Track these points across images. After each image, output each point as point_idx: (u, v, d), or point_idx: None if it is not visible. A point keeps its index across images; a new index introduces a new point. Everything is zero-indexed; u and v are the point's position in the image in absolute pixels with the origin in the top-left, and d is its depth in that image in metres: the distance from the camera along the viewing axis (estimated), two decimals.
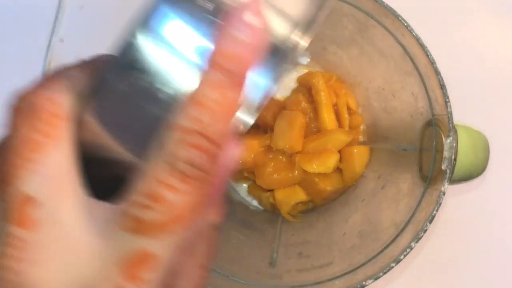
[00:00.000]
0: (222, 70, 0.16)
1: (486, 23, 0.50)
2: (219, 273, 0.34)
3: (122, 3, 0.51)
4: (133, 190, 0.15)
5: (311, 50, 0.48)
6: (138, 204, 0.15)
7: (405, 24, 0.32)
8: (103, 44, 0.59)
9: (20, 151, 0.16)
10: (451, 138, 0.31)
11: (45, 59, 0.50)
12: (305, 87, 0.45)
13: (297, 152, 0.43)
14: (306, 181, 0.43)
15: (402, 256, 0.31)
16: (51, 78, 0.18)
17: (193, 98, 0.15)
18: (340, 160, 0.44)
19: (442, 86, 0.31)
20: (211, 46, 0.16)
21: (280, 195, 0.43)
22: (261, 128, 0.45)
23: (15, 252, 0.15)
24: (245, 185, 0.47)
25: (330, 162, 0.42)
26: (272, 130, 0.43)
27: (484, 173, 0.35)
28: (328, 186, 0.44)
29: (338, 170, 0.45)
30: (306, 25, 0.20)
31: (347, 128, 0.44)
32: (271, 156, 0.43)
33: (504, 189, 0.48)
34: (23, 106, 0.17)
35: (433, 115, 0.34)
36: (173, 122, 0.15)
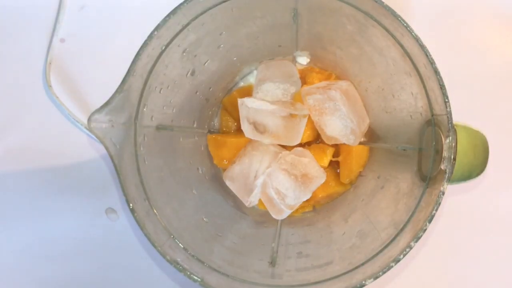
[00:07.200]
0: None
1: (486, 23, 0.50)
2: (219, 273, 0.34)
3: (122, 3, 0.51)
4: None
5: (311, 51, 0.48)
6: None
7: (405, 24, 0.32)
8: (103, 44, 0.59)
9: None
10: (450, 138, 0.31)
11: (45, 59, 0.50)
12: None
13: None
14: None
15: (401, 256, 0.31)
16: None
17: None
18: (338, 157, 0.45)
19: (442, 86, 0.31)
20: None
21: None
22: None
23: None
24: None
25: (326, 157, 0.43)
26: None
27: (484, 173, 0.35)
28: (321, 191, 0.44)
29: (335, 174, 0.45)
30: None
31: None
32: None
33: (503, 189, 0.48)
34: None
35: (432, 115, 0.34)
36: None
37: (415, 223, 0.33)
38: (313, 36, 0.42)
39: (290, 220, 0.44)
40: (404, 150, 0.39)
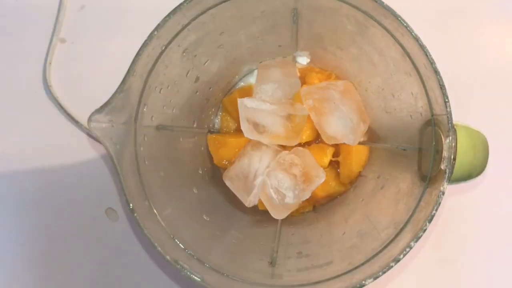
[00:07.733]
0: None
1: (486, 23, 0.50)
2: (219, 273, 0.34)
3: (122, 3, 0.51)
4: None
5: (311, 51, 0.48)
6: None
7: (405, 24, 0.32)
8: (103, 44, 0.59)
9: None
10: (450, 138, 0.31)
11: (45, 59, 0.50)
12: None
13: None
14: None
15: (401, 256, 0.31)
16: None
17: None
18: (338, 157, 0.45)
19: (442, 86, 0.31)
20: None
21: None
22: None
23: None
24: None
25: (326, 157, 0.43)
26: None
27: (483, 172, 0.35)
28: (321, 191, 0.44)
29: (335, 174, 0.45)
30: None
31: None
32: None
33: (503, 189, 0.48)
34: None
35: (432, 115, 0.34)
36: None
37: (415, 223, 0.33)
38: (313, 36, 0.42)
39: (290, 220, 0.44)
40: (404, 150, 0.39)
